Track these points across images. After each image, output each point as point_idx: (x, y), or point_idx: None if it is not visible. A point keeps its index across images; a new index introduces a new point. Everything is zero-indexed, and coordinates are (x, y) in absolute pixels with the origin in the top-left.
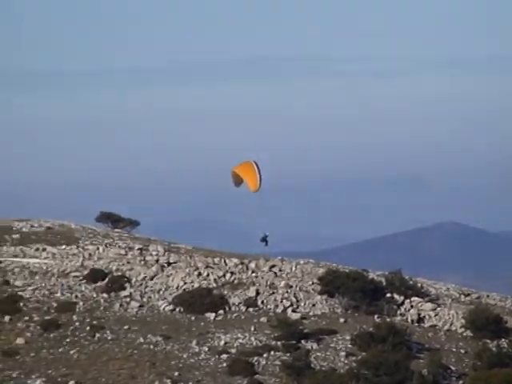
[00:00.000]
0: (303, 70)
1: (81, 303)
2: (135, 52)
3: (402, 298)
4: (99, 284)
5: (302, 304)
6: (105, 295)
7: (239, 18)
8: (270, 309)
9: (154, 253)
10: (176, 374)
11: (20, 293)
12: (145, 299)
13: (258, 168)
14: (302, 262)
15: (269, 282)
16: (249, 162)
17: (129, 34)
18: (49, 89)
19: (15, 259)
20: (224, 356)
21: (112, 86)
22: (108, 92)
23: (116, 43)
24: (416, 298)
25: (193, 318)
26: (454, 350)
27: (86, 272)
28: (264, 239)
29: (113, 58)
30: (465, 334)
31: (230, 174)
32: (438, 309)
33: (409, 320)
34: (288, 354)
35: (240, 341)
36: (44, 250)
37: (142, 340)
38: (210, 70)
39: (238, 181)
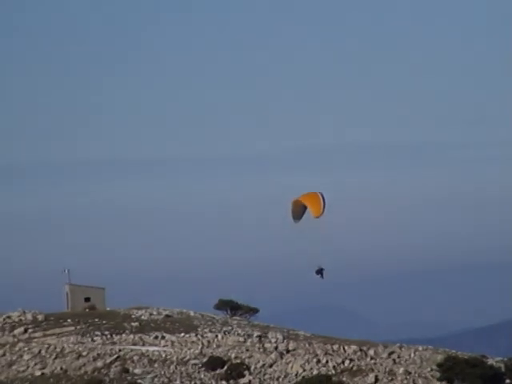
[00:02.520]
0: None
1: None
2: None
3: None
4: (218, 371)
5: None
6: (224, 383)
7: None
8: None
9: (272, 340)
10: None
11: (139, 381)
12: None
13: (322, 197)
14: (420, 348)
15: (388, 369)
16: (314, 192)
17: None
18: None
19: (134, 347)
20: None
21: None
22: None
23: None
24: None
25: None
26: None
27: (204, 359)
28: (320, 272)
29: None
30: None
31: (291, 206)
32: None
33: None
34: None
35: None
36: (163, 337)
37: None
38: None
39: (298, 210)
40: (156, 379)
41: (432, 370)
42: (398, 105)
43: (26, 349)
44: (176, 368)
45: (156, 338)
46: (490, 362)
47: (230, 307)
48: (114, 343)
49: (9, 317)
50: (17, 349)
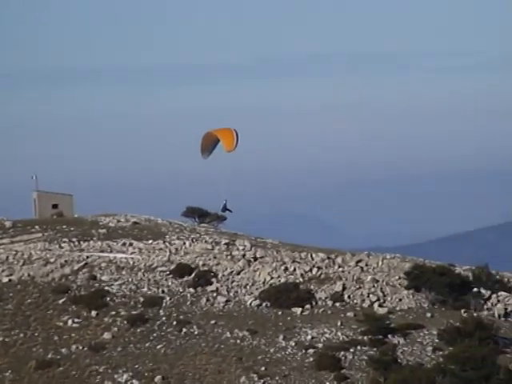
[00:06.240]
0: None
1: (167, 298)
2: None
3: (489, 292)
4: (186, 279)
5: (389, 299)
6: (191, 290)
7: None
8: (356, 303)
9: (240, 247)
10: (263, 368)
11: (107, 288)
12: (231, 294)
13: (236, 133)
14: (388, 256)
15: (355, 277)
16: (228, 128)
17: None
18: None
19: (102, 254)
20: (311, 351)
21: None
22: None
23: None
24: (503, 293)
25: (279, 312)
26: None
27: (172, 267)
28: (225, 208)
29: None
30: None
31: (201, 138)
32: None
33: (495, 315)
34: (375, 349)
35: (327, 335)
36: (131, 244)
37: (228, 335)
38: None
39: (208, 144)
40: (124, 286)
41: (400, 278)
42: (370, 14)
43: None
44: (143, 275)
45: (124, 244)
46: (458, 270)
47: (198, 214)
48: (81, 250)
49: None
50: None
